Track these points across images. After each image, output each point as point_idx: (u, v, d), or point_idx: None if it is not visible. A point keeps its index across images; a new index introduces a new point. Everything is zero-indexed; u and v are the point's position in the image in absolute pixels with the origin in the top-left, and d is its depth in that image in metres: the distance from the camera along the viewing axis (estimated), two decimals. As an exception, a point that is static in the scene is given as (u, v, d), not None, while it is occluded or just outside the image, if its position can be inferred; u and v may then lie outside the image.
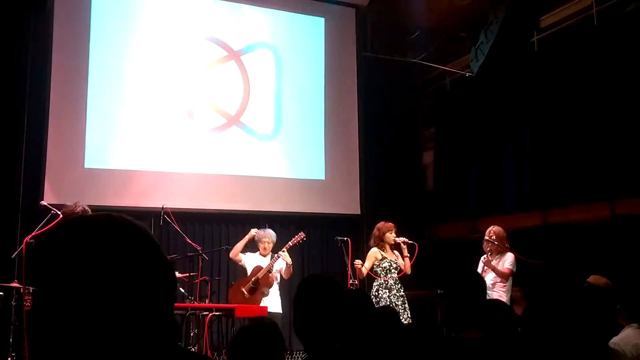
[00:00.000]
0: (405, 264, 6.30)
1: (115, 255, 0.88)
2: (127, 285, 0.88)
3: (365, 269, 6.17)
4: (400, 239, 6.35)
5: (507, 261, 6.15)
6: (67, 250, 0.88)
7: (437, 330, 2.19)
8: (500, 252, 6.19)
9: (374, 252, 6.27)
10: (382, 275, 6.17)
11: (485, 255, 6.25)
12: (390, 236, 6.30)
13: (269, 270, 6.34)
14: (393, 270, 6.20)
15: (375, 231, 6.38)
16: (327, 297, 2.25)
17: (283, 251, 6.38)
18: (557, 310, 1.95)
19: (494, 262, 6.18)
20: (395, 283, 6.18)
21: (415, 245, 6.34)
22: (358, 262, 6.23)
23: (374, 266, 6.22)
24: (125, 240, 0.90)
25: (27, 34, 7.33)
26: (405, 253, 6.33)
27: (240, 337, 2.35)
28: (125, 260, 0.89)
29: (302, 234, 6.54)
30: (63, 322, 0.85)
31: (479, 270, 6.16)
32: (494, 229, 6.32)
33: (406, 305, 6.19)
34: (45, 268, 0.88)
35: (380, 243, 6.29)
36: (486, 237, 6.27)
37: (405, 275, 6.33)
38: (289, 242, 6.49)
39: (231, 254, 6.65)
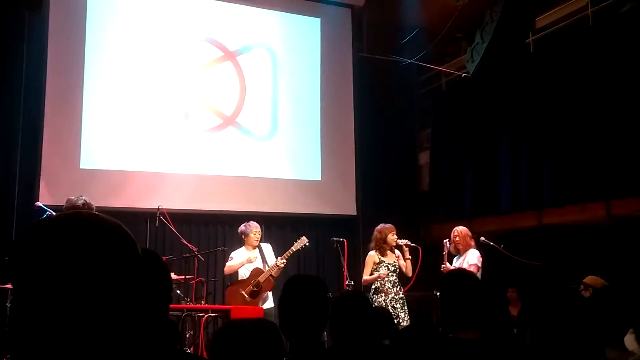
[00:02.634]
0: (407, 266, 6.25)
1: (93, 252, 0.86)
2: (102, 285, 0.86)
3: (371, 277, 6.12)
4: (403, 241, 6.31)
5: (471, 258, 6.11)
6: (42, 248, 0.86)
7: (435, 331, 2.18)
8: (465, 250, 6.20)
9: (372, 257, 6.21)
10: (379, 279, 6.14)
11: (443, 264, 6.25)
12: (392, 238, 6.25)
13: (271, 275, 6.30)
14: (391, 274, 6.15)
15: (376, 234, 6.28)
16: (312, 297, 2.26)
17: (285, 258, 6.32)
18: (552, 311, 1.95)
19: (460, 260, 6.17)
20: (393, 286, 6.13)
21: (418, 249, 6.30)
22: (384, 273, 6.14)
23: (372, 270, 6.19)
24: (101, 237, 0.89)
25: (22, 34, 7.30)
26: (407, 255, 6.28)
27: (237, 333, 2.19)
28: (102, 258, 0.87)
29: (304, 240, 6.43)
30: (43, 323, 0.84)
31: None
32: (457, 229, 6.34)
33: (405, 308, 6.15)
34: (22, 267, 0.87)
35: (384, 245, 6.22)
36: (453, 237, 6.29)
37: (405, 276, 6.30)
38: (292, 248, 6.39)
39: (227, 271, 6.48)
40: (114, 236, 0.90)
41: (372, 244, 6.29)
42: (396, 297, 6.10)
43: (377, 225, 6.41)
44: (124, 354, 0.87)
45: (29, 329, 0.84)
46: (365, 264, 6.25)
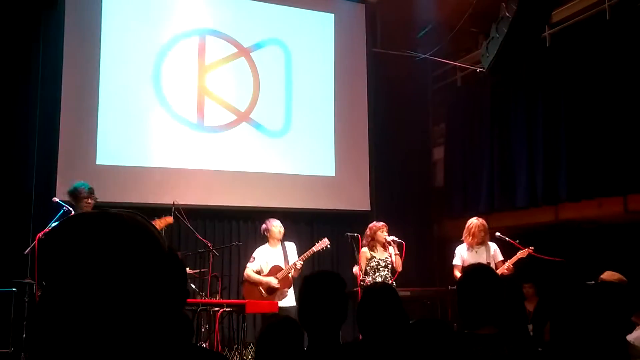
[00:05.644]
0: (396, 261, 6.39)
1: (119, 250, 0.87)
2: (130, 281, 0.87)
3: (361, 272, 6.30)
4: (390, 238, 6.44)
5: (498, 253, 6.30)
6: (70, 245, 0.87)
7: (447, 326, 2.18)
8: (483, 243, 6.32)
9: (364, 254, 6.38)
10: (371, 274, 6.28)
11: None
12: (381, 235, 6.39)
13: (288, 272, 6.34)
14: (382, 269, 6.31)
15: (367, 231, 6.47)
16: (331, 293, 2.31)
17: (303, 259, 6.40)
18: (568, 306, 1.94)
19: (478, 252, 6.27)
20: (385, 280, 6.25)
21: (402, 244, 6.41)
22: (356, 269, 6.36)
23: (365, 266, 6.34)
24: (127, 235, 0.89)
25: (38, 31, 7.36)
26: (395, 251, 6.42)
27: (270, 333, 2.42)
28: (128, 255, 0.88)
29: (326, 242, 6.55)
30: (67, 319, 0.85)
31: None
32: (470, 220, 6.45)
33: None
34: (49, 263, 0.88)
35: (372, 242, 6.38)
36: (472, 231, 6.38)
37: (400, 271, 6.41)
38: (313, 248, 6.50)
39: (245, 277, 6.49)
40: (136, 234, 0.91)
41: (364, 242, 6.45)
42: None
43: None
44: (140, 348, 0.88)
45: (53, 322, 0.85)
46: (359, 259, 6.41)
